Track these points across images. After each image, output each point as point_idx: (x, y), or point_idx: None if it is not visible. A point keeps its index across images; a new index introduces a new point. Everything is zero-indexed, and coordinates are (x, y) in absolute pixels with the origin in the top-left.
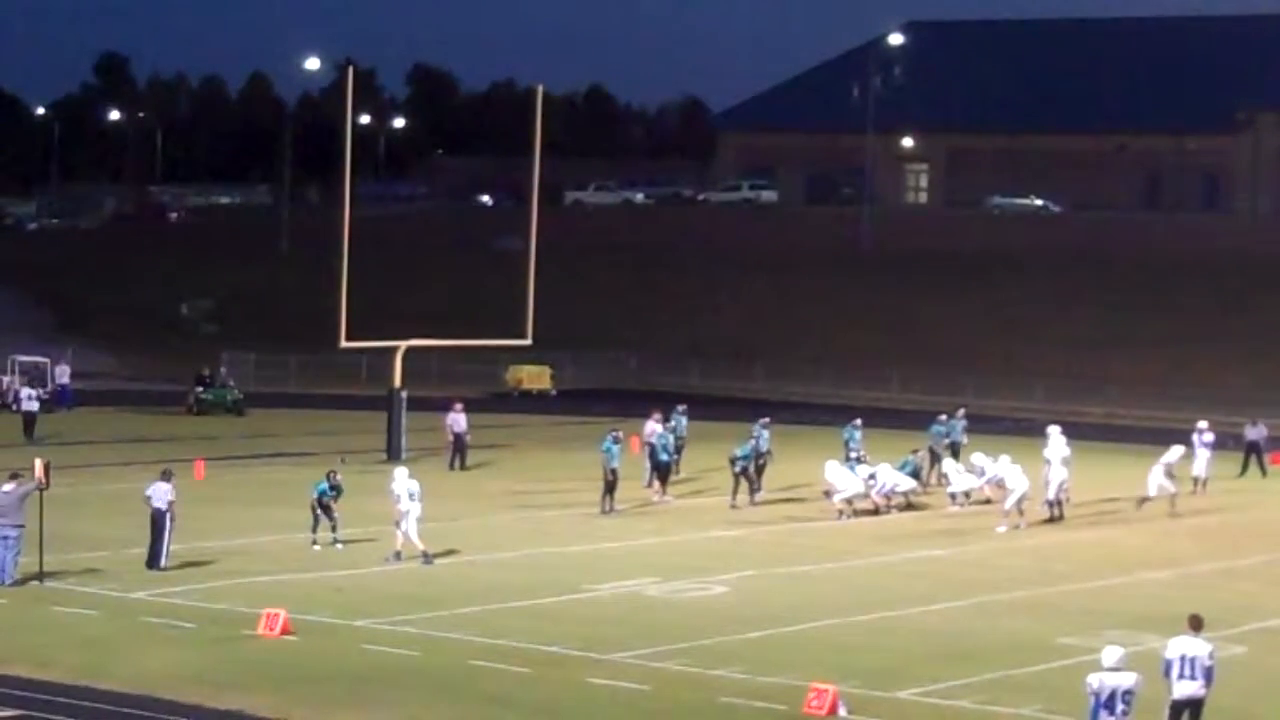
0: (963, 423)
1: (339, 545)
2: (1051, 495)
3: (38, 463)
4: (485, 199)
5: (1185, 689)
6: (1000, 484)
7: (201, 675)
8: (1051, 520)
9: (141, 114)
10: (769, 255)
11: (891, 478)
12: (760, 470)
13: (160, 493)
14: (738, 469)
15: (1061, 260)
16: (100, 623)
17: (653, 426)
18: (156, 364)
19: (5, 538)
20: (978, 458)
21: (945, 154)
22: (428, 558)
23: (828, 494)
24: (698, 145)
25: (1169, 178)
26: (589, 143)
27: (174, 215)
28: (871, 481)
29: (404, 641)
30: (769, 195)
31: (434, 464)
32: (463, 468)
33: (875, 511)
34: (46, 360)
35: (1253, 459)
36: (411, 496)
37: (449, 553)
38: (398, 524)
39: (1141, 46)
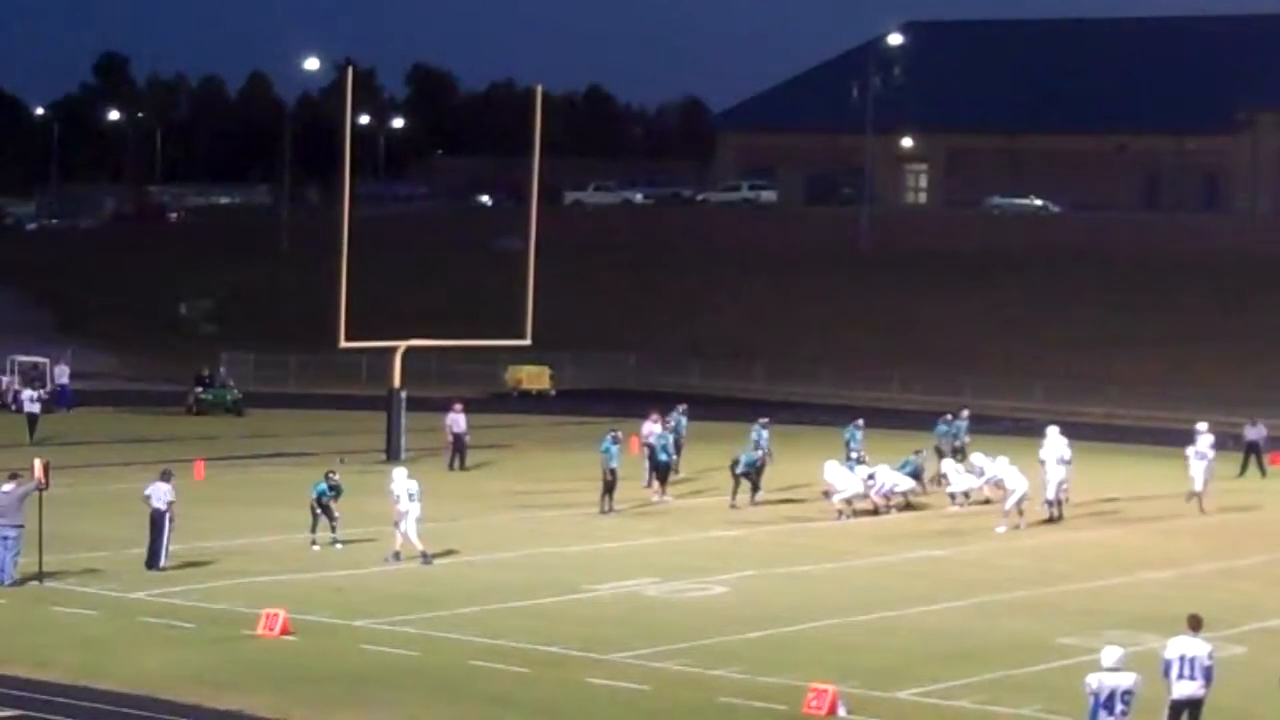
0: (965, 423)
1: (338, 545)
2: (1051, 495)
3: (37, 463)
4: (485, 199)
5: (1184, 689)
6: (999, 484)
7: (201, 675)
8: (1051, 520)
9: (141, 114)
10: (769, 255)
11: (890, 478)
12: (759, 471)
13: (160, 493)
14: (739, 472)
15: (1061, 260)
16: (100, 623)
17: (651, 427)
18: (156, 364)
19: (5, 538)
20: (977, 458)
21: (945, 154)
22: (427, 558)
23: (827, 494)
24: (697, 145)
25: (1168, 178)
26: (588, 143)
27: (173, 215)
28: (870, 482)
29: (403, 641)
30: (769, 195)
31: (433, 464)
32: (462, 468)
33: (874, 512)
34: (46, 360)
35: (1252, 459)
36: (411, 497)
37: (448, 553)
38: (397, 524)
39: (1141, 46)
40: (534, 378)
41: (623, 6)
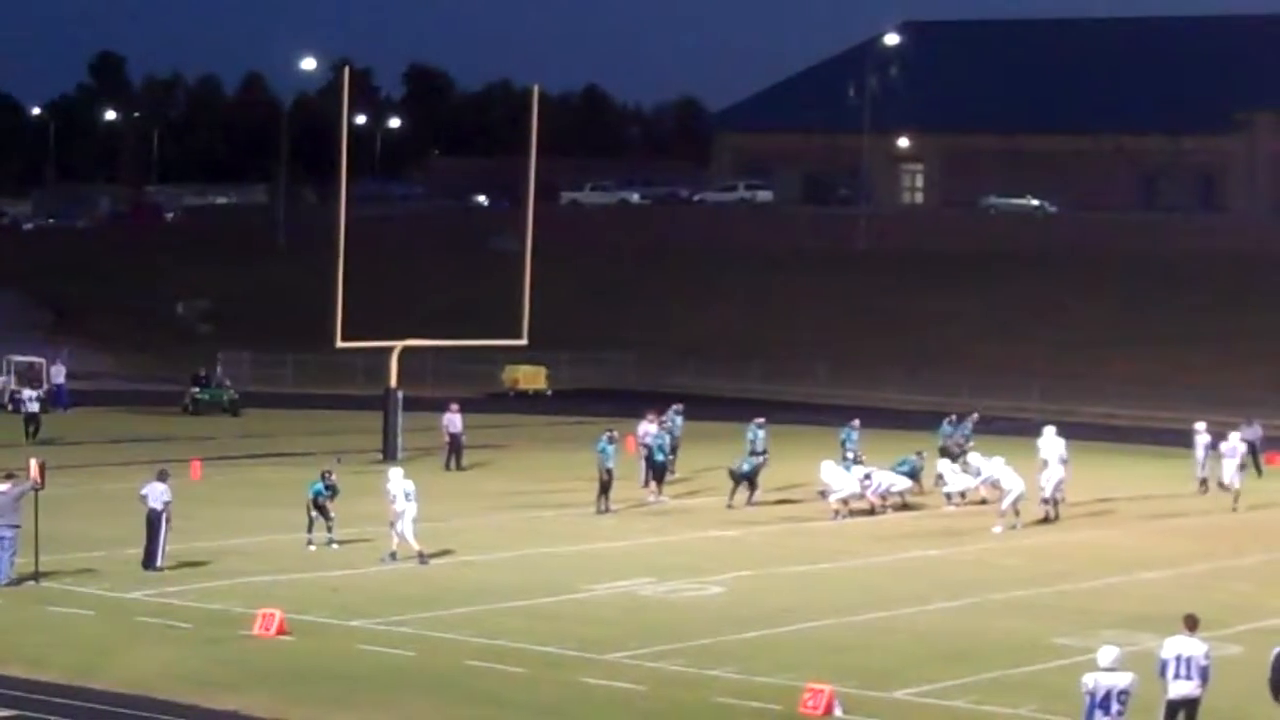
0: (962, 428)
1: (335, 545)
2: (1047, 495)
3: (33, 463)
4: (481, 199)
5: (1181, 689)
6: (996, 484)
7: (197, 675)
8: (1047, 520)
9: (137, 114)
10: (765, 256)
11: (887, 478)
12: (757, 471)
13: (156, 493)
14: (740, 475)
15: (1057, 260)
16: (96, 623)
17: (647, 427)
18: (152, 364)
19: (1, 538)
20: (973, 458)
21: (941, 154)
22: (423, 558)
23: (823, 494)
24: (694, 145)
25: (1165, 178)
26: (585, 143)
27: (170, 215)
28: (867, 481)
29: (400, 642)
30: (765, 195)
31: (430, 464)
32: (459, 468)
33: (871, 512)
34: (42, 360)
35: (1248, 459)
36: (407, 497)
37: (444, 553)
38: (393, 524)
39: (1138, 46)
40: (530, 378)
41: (620, 7)
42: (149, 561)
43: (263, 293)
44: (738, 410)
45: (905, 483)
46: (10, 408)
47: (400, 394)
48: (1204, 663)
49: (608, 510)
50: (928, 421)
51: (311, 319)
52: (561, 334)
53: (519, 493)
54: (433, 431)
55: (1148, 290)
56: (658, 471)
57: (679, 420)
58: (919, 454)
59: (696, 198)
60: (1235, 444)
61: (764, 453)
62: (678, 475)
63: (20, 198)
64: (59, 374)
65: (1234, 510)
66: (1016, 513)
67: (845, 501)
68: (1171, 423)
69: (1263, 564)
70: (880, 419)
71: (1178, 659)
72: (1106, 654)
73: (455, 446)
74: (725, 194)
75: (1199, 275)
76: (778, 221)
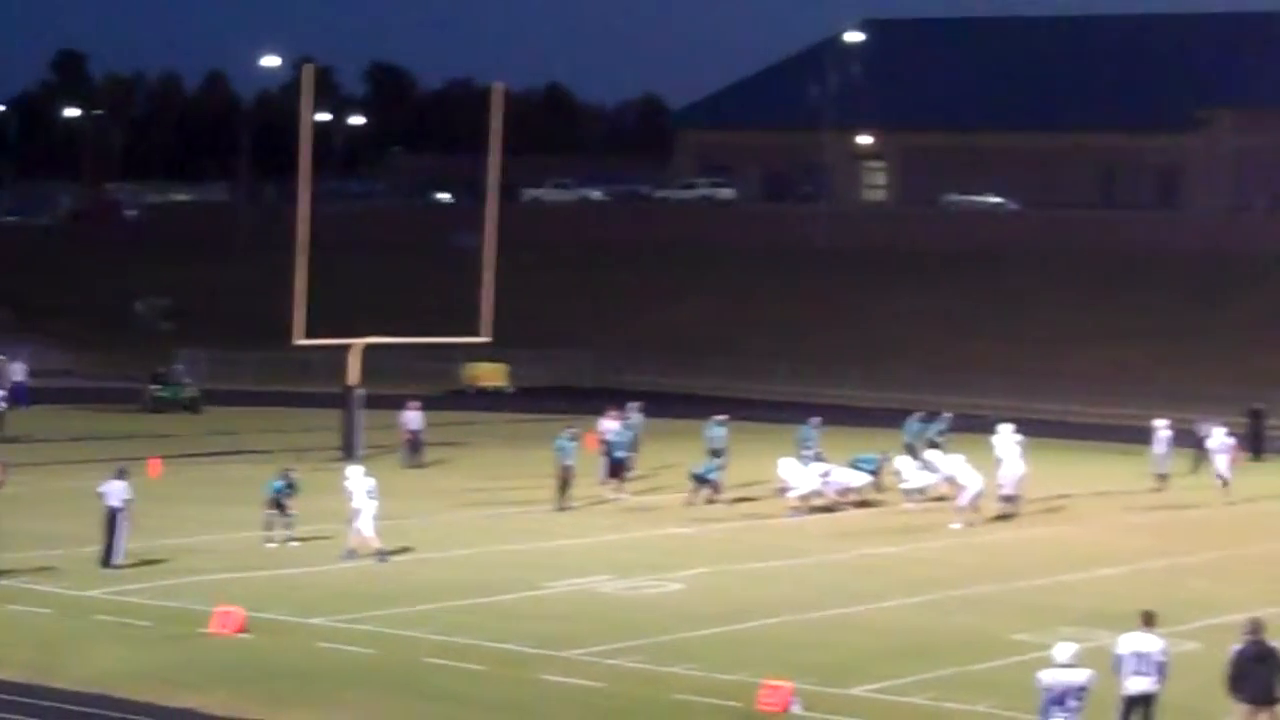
0: (944, 424)
1: (294, 543)
2: (1006, 492)
3: None
4: (444, 196)
5: (1138, 685)
6: (954, 481)
7: (156, 673)
8: (1005, 517)
9: (98, 111)
10: (727, 253)
11: (846, 475)
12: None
13: (115, 491)
14: (700, 476)
15: (1018, 257)
16: (54, 621)
17: (609, 424)
18: (113, 362)
19: None
20: (932, 455)
21: (902, 151)
22: (383, 555)
23: (783, 491)
24: (656, 143)
25: (1126, 175)
26: (547, 140)
27: (131, 213)
28: (826, 479)
29: (359, 639)
30: (727, 193)
31: (390, 461)
32: (419, 465)
33: (830, 509)
34: (3, 358)
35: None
36: (367, 494)
37: (404, 550)
38: (353, 521)
39: (1099, 44)
40: (491, 375)
41: (582, 5)
42: (108, 559)
43: (223, 290)
44: (698, 407)
45: (864, 479)
46: None
47: (360, 391)
48: (1160, 659)
49: (567, 508)
50: (887, 418)
51: (272, 316)
52: (522, 331)
53: (479, 490)
54: (393, 429)
55: (1107, 287)
56: (618, 468)
57: (639, 418)
58: (883, 453)
59: (658, 195)
60: (1224, 439)
61: (722, 451)
62: (637, 473)
63: None
64: (19, 372)
65: (1230, 504)
66: (975, 509)
67: (804, 498)
68: (1130, 419)
69: (1220, 560)
70: (840, 416)
71: (1134, 655)
72: (1064, 650)
73: (415, 444)
74: (687, 191)
75: (1158, 272)
76: (739, 219)
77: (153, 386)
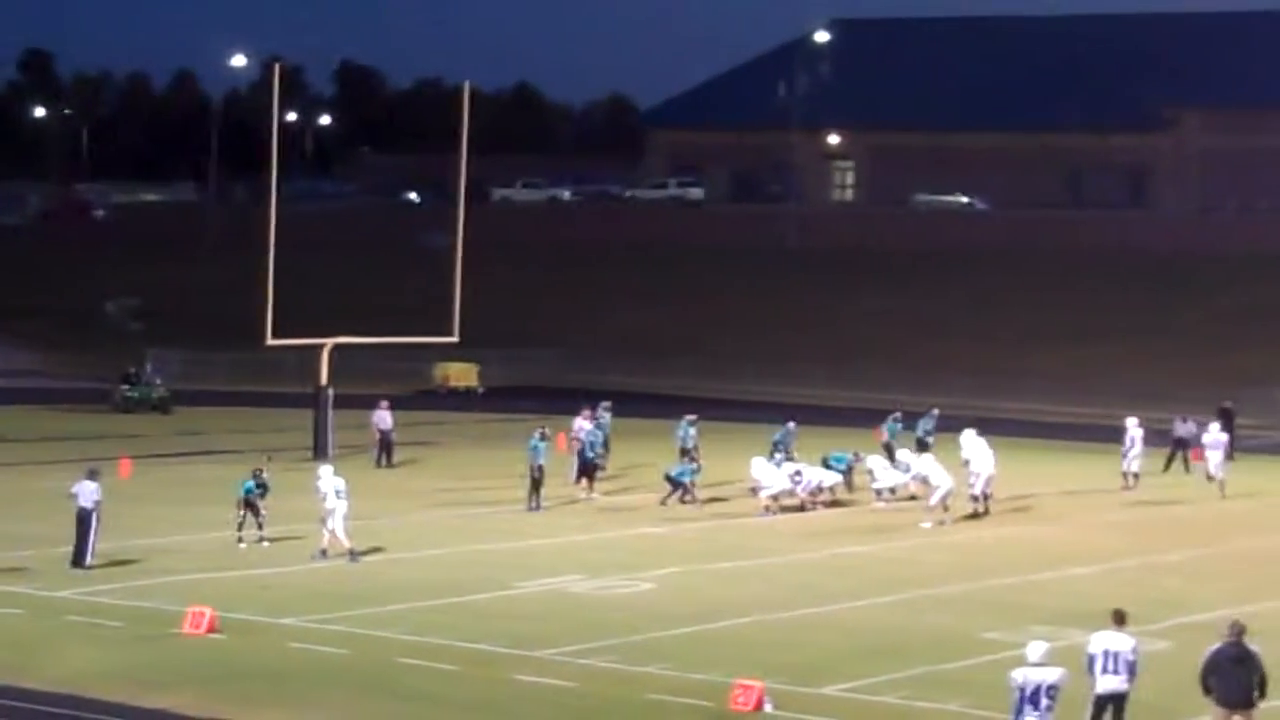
0: (933, 421)
1: (265, 543)
2: (976, 491)
3: None
4: (413, 196)
5: (1109, 684)
6: (925, 480)
7: (127, 674)
8: (976, 516)
9: (66, 111)
10: (696, 253)
11: (817, 474)
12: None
13: (86, 491)
14: (674, 478)
15: (986, 257)
16: (25, 622)
17: (582, 424)
18: (82, 362)
19: None
20: (903, 454)
21: (871, 151)
22: (354, 555)
23: (754, 491)
24: (625, 143)
25: (1094, 175)
26: (516, 140)
27: (99, 213)
28: (797, 478)
29: (331, 639)
30: (696, 192)
31: (360, 462)
32: (389, 465)
33: (801, 508)
34: None
35: (1178, 456)
36: (338, 494)
37: (375, 550)
38: (324, 521)
39: (1066, 44)
40: (462, 375)
41: (551, 4)
42: (79, 560)
43: (193, 290)
44: (668, 407)
45: (835, 479)
46: None
47: (331, 391)
48: (1131, 658)
49: (539, 507)
50: (856, 418)
51: (242, 316)
52: (493, 331)
53: (450, 490)
54: (363, 429)
55: (1076, 287)
56: (589, 468)
57: (608, 417)
58: (855, 453)
59: (627, 195)
60: (1217, 437)
61: (692, 451)
62: (609, 472)
63: None
64: None
65: (1222, 498)
66: (945, 508)
67: (775, 498)
68: (1100, 418)
69: (1190, 559)
70: (809, 416)
71: (1106, 654)
72: (1035, 649)
73: (386, 444)
74: (656, 191)
75: (1127, 272)
76: (708, 218)
77: (123, 387)
